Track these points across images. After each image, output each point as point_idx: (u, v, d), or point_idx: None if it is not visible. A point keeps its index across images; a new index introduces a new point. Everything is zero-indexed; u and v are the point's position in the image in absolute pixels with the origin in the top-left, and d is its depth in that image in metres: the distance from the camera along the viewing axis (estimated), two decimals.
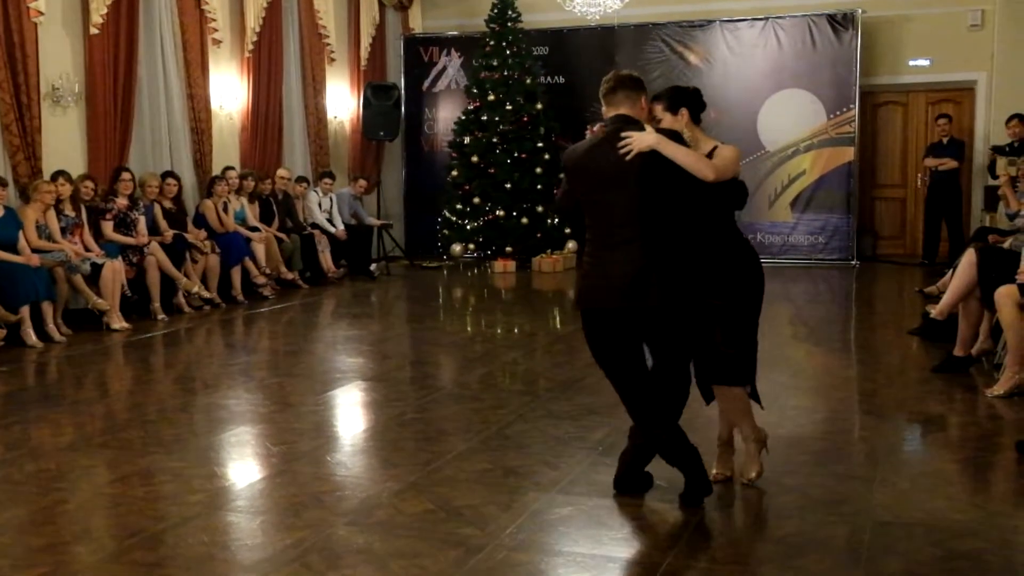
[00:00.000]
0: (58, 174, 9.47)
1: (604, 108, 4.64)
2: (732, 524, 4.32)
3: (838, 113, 13.98)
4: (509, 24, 14.33)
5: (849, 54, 13.87)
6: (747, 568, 3.86)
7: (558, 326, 10.27)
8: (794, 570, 3.82)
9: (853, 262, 14.01)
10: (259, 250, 11.39)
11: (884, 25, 14.26)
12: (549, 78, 14.95)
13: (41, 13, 9.55)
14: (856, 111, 13.90)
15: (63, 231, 9.34)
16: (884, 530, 4.20)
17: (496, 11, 14.38)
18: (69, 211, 9.44)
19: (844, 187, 14.07)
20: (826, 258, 14.16)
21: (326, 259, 12.64)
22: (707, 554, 4.00)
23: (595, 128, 4.77)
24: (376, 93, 14.26)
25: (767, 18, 14.24)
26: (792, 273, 13.47)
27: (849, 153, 14.01)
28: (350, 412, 6.71)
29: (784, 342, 9.16)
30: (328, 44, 14.04)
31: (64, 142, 10.07)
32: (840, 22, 13.91)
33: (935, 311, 7.64)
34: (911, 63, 14.35)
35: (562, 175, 4.86)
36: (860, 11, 13.83)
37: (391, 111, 14.36)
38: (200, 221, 11.11)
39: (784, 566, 3.86)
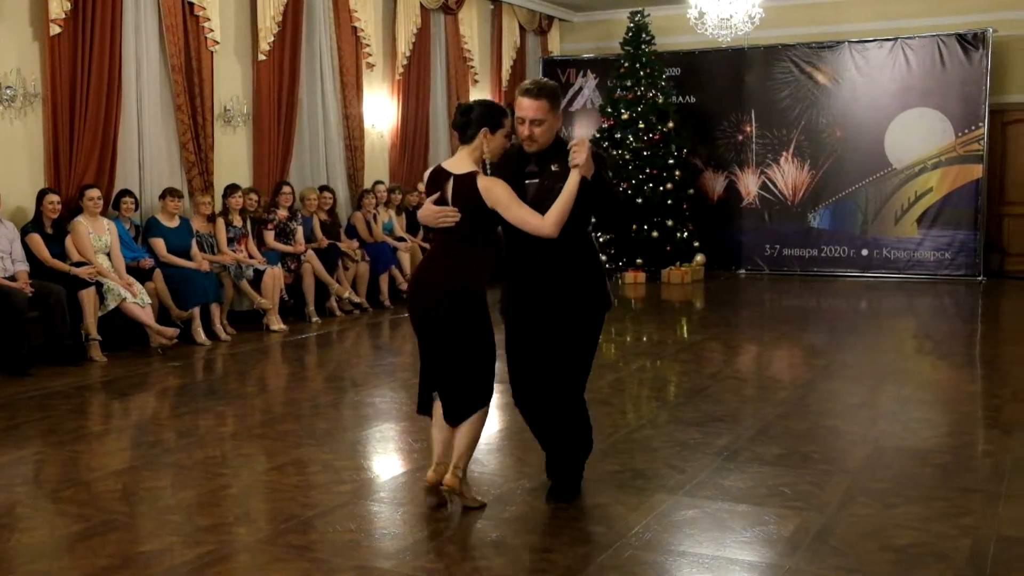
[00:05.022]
0: (234, 188, 9.85)
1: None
2: (854, 532, 4.19)
3: (966, 131, 13.44)
4: (643, 47, 14.24)
5: (979, 73, 13.32)
6: None
7: (686, 335, 10.15)
8: None
9: (979, 278, 13.44)
10: (405, 259, 11.58)
11: (1015, 44, 13.65)
12: (681, 98, 14.81)
13: (216, 43, 9.96)
14: (985, 129, 13.34)
15: (231, 241, 9.69)
16: (1009, 545, 4.02)
17: (631, 34, 14.31)
18: (237, 222, 9.79)
19: (972, 204, 13.51)
20: (952, 274, 13.62)
21: None
22: (828, 561, 3.89)
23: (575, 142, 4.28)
24: (512, 112, 14.32)
25: (896, 39, 13.81)
26: (917, 288, 13.03)
27: (977, 171, 13.45)
28: None
29: (908, 355, 8.87)
30: (472, 67, 14.21)
31: (233, 158, 10.46)
32: (970, 41, 13.37)
33: None
34: None
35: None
36: (991, 30, 13.27)
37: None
38: (351, 231, 11.38)
39: None
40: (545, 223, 4.10)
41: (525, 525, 4.25)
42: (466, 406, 4.29)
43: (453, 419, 4.31)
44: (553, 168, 4.22)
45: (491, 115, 4.25)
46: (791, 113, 14.37)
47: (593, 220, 4.42)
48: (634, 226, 13.97)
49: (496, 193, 4.13)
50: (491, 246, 4.30)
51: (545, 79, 4.52)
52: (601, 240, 14.18)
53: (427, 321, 4.25)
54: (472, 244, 4.22)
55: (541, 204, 4.15)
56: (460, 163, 4.25)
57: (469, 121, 4.23)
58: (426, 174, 4.43)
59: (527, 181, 4.26)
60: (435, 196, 4.23)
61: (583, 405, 4.58)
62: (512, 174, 4.24)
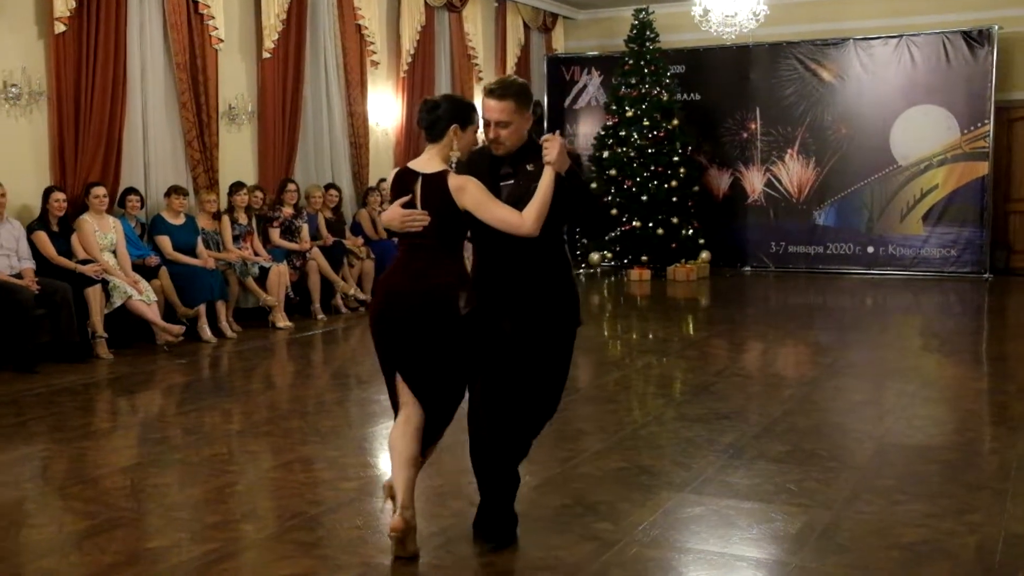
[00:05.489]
0: (239, 185, 9.86)
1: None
2: (860, 529, 4.18)
3: (972, 128, 13.42)
4: (647, 44, 14.24)
5: (984, 70, 13.29)
6: (875, 573, 3.73)
7: (691, 332, 10.15)
8: None
9: (985, 275, 13.41)
10: None
11: (1021, 41, 13.61)
12: (685, 95, 14.81)
13: (221, 40, 9.97)
14: (991, 126, 13.32)
15: (236, 238, 9.70)
16: (1017, 542, 4.02)
17: (635, 32, 14.31)
18: (242, 219, 9.80)
19: (977, 201, 13.49)
20: (958, 271, 13.61)
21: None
22: (834, 558, 3.89)
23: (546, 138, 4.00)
24: None
25: (901, 36, 13.79)
26: (923, 285, 13.02)
27: (983, 167, 13.43)
28: None
29: (914, 353, 8.86)
30: (476, 64, 14.20)
31: (237, 156, 10.46)
32: (975, 39, 13.35)
33: None
34: None
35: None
36: (996, 28, 13.25)
37: (535, 127, 14.31)
38: (357, 229, 11.38)
39: (912, 573, 3.73)
40: (525, 220, 3.78)
41: (532, 522, 4.25)
42: (440, 426, 3.99)
43: (429, 439, 3.97)
44: (529, 168, 3.95)
45: (460, 111, 3.96)
46: (796, 110, 14.36)
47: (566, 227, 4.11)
48: (638, 223, 13.96)
49: (469, 191, 3.81)
50: (462, 251, 3.96)
51: (513, 77, 4.17)
52: (606, 238, 14.18)
53: (398, 335, 3.87)
54: (443, 249, 3.88)
55: (516, 206, 3.85)
56: (429, 162, 3.92)
57: (438, 118, 3.91)
58: (391, 175, 4.12)
59: (501, 183, 3.96)
60: (404, 199, 3.90)
61: (530, 439, 4.18)
62: (484, 176, 3.92)
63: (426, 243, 3.88)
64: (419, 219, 3.85)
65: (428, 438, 3.97)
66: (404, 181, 3.95)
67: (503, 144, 3.96)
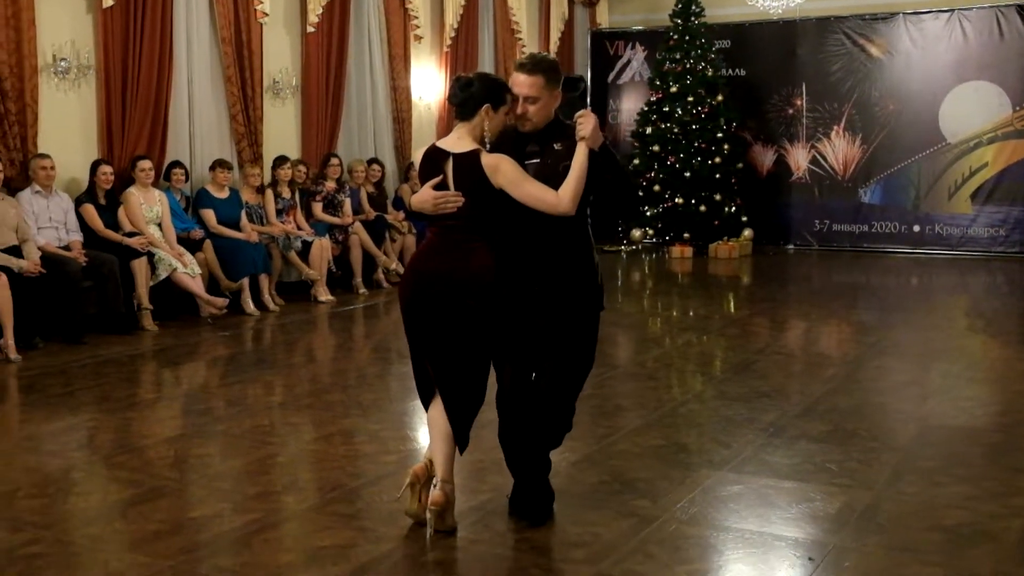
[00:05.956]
0: (282, 159, 9.92)
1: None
2: (901, 510, 4.14)
3: None
4: (692, 19, 14.10)
5: None
6: (915, 555, 3.70)
7: (732, 310, 10.08)
8: (965, 560, 3.64)
9: None
10: None
11: None
12: (730, 70, 14.64)
13: (266, 15, 10.00)
14: None
15: (279, 212, 9.76)
16: None
17: (680, 6, 14.17)
18: (285, 193, 9.86)
19: None
20: (1007, 251, 13.38)
21: None
22: (874, 538, 3.86)
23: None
24: (564, 85, 14.21)
25: (952, 10, 13.52)
26: (970, 265, 12.82)
27: None
28: None
29: (959, 333, 8.73)
30: (520, 39, 14.12)
31: (281, 130, 10.51)
32: None
33: None
34: None
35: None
36: None
37: (577, 102, 14.15)
38: (399, 204, 11.40)
39: (954, 555, 3.69)
40: (561, 199, 3.71)
41: (569, 498, 4.25)
42: (466, 413, 3.90)
43: (462, 438, 3.92)
44: (556, 147, 3.88)
45: (493, 91, 3.83)
46: (843, 86, 14.15)
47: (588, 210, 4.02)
48: (680, 200, 13.86)
49: (504, 170, 3.73)
50: (494, 232, 3.82)
51: (544, 54, 4.08)
52: (648, 214, 14.11)
53: (432, 320, 3.79)
54: (476, 231, 3.78)
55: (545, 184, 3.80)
56: (460, 141, 3.82)
57: (470, 96, 3.80)
58: (418, 155, 3.99)
59: (527, 161, 3.88)
60: (435, 180, 3.79)
61: (570, 417, 4.12)
62: (510, 154, 3.84)
63: (459, 225, 3.78)
64: (452, 200, 3.75)
65: (458, 430, 3.89)
66: (434, 161, 3.86)
67: (530, 120, 3.90)
